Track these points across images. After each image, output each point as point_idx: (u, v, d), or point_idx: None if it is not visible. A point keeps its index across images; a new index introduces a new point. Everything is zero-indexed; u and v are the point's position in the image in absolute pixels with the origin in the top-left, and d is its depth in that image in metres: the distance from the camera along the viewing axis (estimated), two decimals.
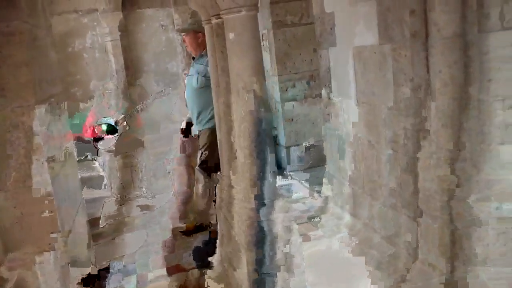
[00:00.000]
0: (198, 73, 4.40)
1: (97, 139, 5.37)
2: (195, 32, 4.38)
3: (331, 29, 3.94)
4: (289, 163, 5.98)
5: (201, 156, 4.54)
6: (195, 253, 3.97)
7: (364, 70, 3.52)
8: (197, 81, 4.41)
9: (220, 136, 3.33)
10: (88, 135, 5.45)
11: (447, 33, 2.73)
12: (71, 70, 5.83)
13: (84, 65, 5.86)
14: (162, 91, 5.63)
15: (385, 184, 3.48)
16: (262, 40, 6.03)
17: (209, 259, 3.80)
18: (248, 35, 2.45)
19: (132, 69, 6.02)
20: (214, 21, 2.88)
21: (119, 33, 5.78)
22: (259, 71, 2.49)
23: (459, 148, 2.89)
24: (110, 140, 5.36)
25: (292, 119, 5.84)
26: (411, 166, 3.11)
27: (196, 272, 3.61)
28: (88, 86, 5.87)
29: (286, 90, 5.74)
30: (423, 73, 2.93)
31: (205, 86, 4.32)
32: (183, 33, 4.49)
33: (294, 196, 5.06)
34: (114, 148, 5.42)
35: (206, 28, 3.15)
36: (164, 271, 3.70)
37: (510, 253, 2.85)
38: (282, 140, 5.99)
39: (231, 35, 2.46)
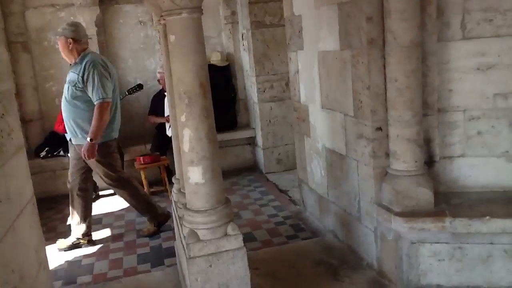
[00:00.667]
0: (69, 83, 4.00)
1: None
2: (66, 37, 4.01)
3: (299, 32, 3.86)
4: (266, 165, 5.90)
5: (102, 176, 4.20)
6: (153, 254, 3.90)
7: (327, 75, 3.44)
8: (68, 92, 4.00)
9: (173, 138, 3.24)
10: (60, 130, 5.35)
11: (404, 41, 2.64)
12: (46, 64, 5.73)
13: (60, 60, 5.74)
14: (135, 88, 5.53)
15: (346, 191, 3.41)
16: (242, 39, 5.94)
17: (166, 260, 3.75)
18: (190, 38, 2.35)
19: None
20: (162, 21, 2.80)
21: (96, 29, 5.70)
22: (202, 76, 2.40)
23: (415, 160, 2.81)
24: None
25: (270, 121, 5.75)
26: (369, 176, 3.04)
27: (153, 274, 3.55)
28: (64, 81, 5.75)
29: (264, 91, 5.66)
30: (380, 82, 2.85)
31: (77, 97, 3.96)
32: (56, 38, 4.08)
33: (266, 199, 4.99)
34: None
35: (159, 28, 3.07)
36: (121, 272, 3.63)
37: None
38: (260, 141, 5.92)
39: (172, 38, 2.37)
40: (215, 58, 5.96)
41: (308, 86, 3.85)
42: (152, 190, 5.38)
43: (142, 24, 5.99)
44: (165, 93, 5.79)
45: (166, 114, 5.72)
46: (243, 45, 5.92)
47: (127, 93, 5.46)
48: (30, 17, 5.62)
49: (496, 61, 2.78)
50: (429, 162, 2.94)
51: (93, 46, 5.73)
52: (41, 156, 5.46)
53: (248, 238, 3.92)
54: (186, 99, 2.42)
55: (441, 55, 2.86)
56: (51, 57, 5.79)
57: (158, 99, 5.81)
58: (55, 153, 5.53)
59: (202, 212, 2.53)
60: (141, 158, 5.17)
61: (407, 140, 2.77)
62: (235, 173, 5.92)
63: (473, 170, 2.96)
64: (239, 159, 6.11)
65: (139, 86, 5.53)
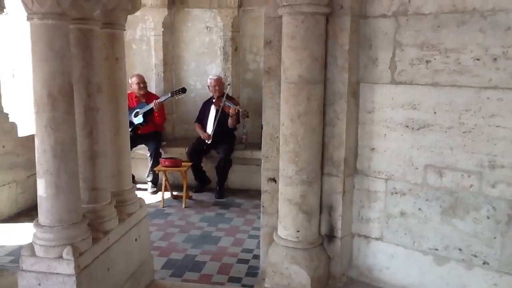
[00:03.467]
0: None
1: None
2: None
3: None
4: None
5: None
6: None
7: None
8: None
9: None
10: None
11: (291, 75, 2.07)
12: None
13: (131, 56, 6.08)
14: (178, 91, 5.51)
15: None
16: None
17: None
18: (41, 45, 2.19)
19: (171, 66, 6.05)
20: None
21: (162, 29, 5.88)
22: (52, 85, 2.22)
23: (297, 229, 2.17)
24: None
25: None
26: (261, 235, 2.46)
27: None
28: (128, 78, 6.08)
29: None
30: (277, 121, 2.27)
31: None
32: None
33: None
34: (131, 135, 5.49)
35: None
36: None
37: None
38: None
39: (30, 43, 2.25)
40: None
41: None
42: (174, 193, 5.34)
43: (208, 29, 5.96)
44: (213, 100, 5.68)
45: (210, 122, 5.60)
46: None
47: (170, 95, 5.51)
48: None
49: (431, 119, 1.98)
50: (330, 236, 2.26)
51: (158, 46, 5.94)
52: None
53: (195, 267, 3.59)
54: (35, 108, 2.28)
55: (365, 100, 2.16)
56: (125, 52, 6.15)
57: (206, 106, 5.72)
58: None
59: (40, 227, 2.36)
60: (163, 160, 5.17)
61: (288, 201, 2.17)
62: None
63: (393, 261, 2.19)
64: None
65: (183, 90, 5.51)
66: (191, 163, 5.30)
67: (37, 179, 2.38)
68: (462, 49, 1.87)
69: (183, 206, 5.02)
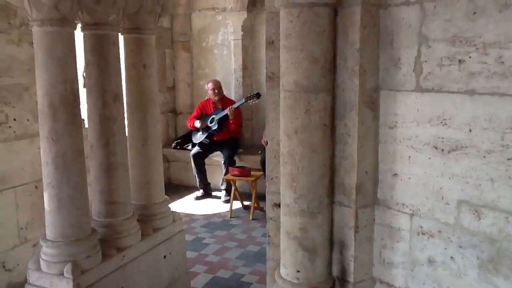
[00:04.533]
0: None
1: (195, 132, 5.54)
2: None
3: None
4: None
5: None
6: None
7: None
8: None
9: None
10: (190, 127, 5.63)
11: (287, 82, 1.73)
12: (202, 63, 6.08)
13: (213, 60, 5.99)
14: (252, 96, 5.25)
15: None
16: None
17: None
18: (42, 52, 2.10)
19: (250, 70, 5.81)
20: None
21: (242, 33, 5.66)
22: (53, 94, 2.12)
23: (297, 269, 1.78)
24: (202, 136, 5.43)
25: None
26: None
27: None
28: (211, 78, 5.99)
29: None
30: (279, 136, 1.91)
31: None
32: None
33: None
34: (206, 142, 5.43)
35: None
36: None
37: None
38: None
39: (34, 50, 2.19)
40: None
41: None
42: (245, 204, 5.12)
43: None
44: None
45: None
46: None
47: (244, 101, 5.31)
48: (194, 19, 6.06)
49: (466, 139, 1.47)
50: (342, 279, 1.82)
51: (238, 50, 5.78)
52: (172, 146, 5.92)
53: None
54: (39, 118, 2.21)
55: (386, 112, 1.71)
56: (207, 57, 6.12)
57: None
58: (184, 146, 5.88)
59: (45, 241, 2.31)
60: (231, 169, 4.97)
61: (286, 234, 1.79)
62: None
63: None
64: None
65: (257, 95, 5.25)
66: (262, 173, 5.04)
67: (44, 192, 2.32)
68: (505, 43, 1.34)
69: (250, 217, 4.79)
